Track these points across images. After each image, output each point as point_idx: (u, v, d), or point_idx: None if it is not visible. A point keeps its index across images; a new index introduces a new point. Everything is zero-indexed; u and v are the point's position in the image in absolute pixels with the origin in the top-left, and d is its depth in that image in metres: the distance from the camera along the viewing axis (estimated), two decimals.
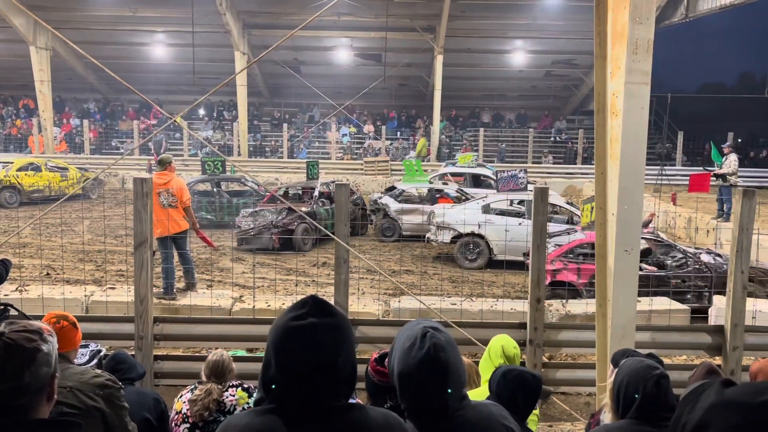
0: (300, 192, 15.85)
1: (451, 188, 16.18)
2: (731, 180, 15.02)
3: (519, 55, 29.67)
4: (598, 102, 4.62)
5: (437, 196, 15.43)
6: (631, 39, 4.21)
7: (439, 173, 19.21)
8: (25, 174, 19.31)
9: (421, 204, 15.10)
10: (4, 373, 1.59)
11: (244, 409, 3.59)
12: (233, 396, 3.67)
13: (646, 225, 10.78)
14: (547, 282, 8.79)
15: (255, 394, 3.46)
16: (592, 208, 9.37)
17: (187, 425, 3.60)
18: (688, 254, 9.80)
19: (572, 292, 9.25)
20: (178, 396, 3.79)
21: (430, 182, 16.56)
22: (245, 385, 3.79)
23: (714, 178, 15.66)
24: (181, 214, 8.92)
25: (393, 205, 14.84)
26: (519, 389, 2.87)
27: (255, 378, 1.68)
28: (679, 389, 2.44)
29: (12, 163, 19.75)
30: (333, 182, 16.44)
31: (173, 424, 3.69)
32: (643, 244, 9.90)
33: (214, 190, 16.43)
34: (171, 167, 9.19)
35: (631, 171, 4.42)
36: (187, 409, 3.64)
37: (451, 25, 25.69)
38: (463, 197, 15.15)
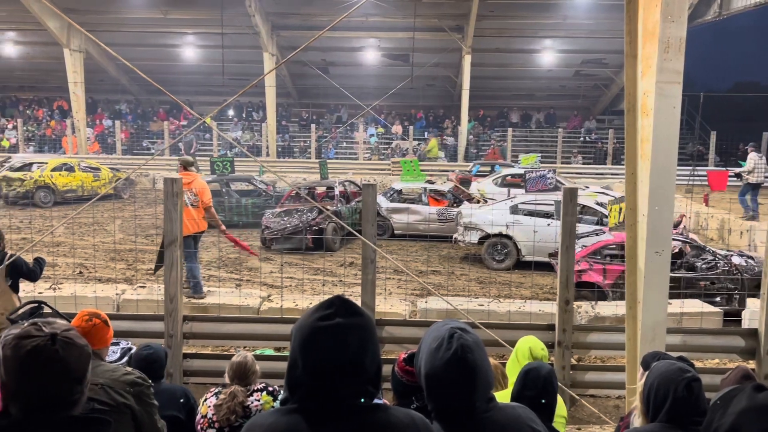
0: (323, 191, 15.94)
1: (444, 188, 16.07)
2: (748, 179, 15.00)
3: (548, 55, 29.44)
4: (629, 101, 4.56)
5: (430, 196, 15.40)
6: (663, 38, 4.15)
7: (501, 174, 18.82)
8: (59, 174, 19.66)
9: (413, 204, 15.15)
10: (69, 370, 1.64)
11: None
12: (258, 401, 3.66)
13: (676, 226, 10.62)
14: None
15: (281, 394, 3.49)
16: (621, 209, 9.35)
17: (213, 430, 3.61)
18: (719, 256, 9.62)
19: (599, 293, 9.16)
20: (203, 399, 3.79)
21: (432, 182, 16.52)
22: (270, 389, 3.78)
23: (733, 177, 15.58)
24: (202, 214, 9.02)
25: (384, 204, 14.89)
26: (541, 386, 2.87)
27: (282, 377, 1.69)
28: (711, 393, 2.40)
29: (46, 163, 20.12)
30: (348, 182, 16.57)
31: (199, 428, 3.69)
32: (675, 246, 9.77)
33: (224, 190, 16.56)
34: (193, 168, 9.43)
35: (662, 171, 4.36)
36: (213, 414, 3.63)
37: (479, 25, 25.58)
38: (455, 200, 15.07)
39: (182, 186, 9.04)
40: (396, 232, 14.59)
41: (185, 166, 9.36)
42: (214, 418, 3.61)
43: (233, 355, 4.00)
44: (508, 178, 18.32)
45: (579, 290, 9.03)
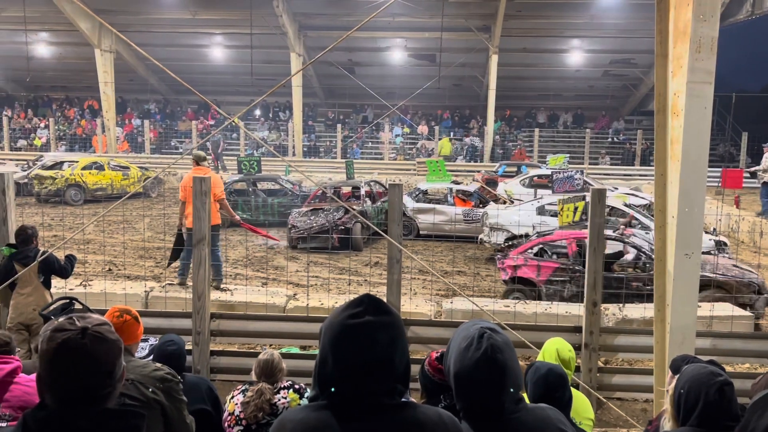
0: (349, 191, 15.98)
1: (470, 188, 16.04)
2: (764, 177, 14.85)
3: (576, 55, 29.18)
4: (659, 102, 4.51)
5: (456, 196, 15.39)
6: (694, 37, 4.10)
7: (529, 175, 18.72)
8: (89, 173, 19.97)
9: (439, 204, 15.19)
10: (99, 364, 1.67)
11: None
12: (285, 398, 3.69)
13: (627, 226, 10.61)
14: (507, 277, 9.52)
15: (310, 391, 3.52)
16: (576, 208, 9.66)
17: (241, 427, 3.63)
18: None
19: (537, 290, 9.37)
20: (230, 397, 3.82)
21: (457, 183, 16.48)
22: (296, 386, 3.81)
23: (748, 176, 15.45)
24: (216, 207, 9.11)
25: (410, 205, 14.93)
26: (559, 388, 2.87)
27: (308, 375, 1.71)
28: (742, 398, 2.37)
29: (77, 162, 20.44)
30: (374, 182, 16.60)
31: (226, 425, 3.71)
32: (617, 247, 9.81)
33: (251, 189, 16.68)
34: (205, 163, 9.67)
35: (692, 172, 4.31)
36: (240, 411, 3.65)
37: (506, 25, 25.46)
38: (481, 200, 15.05)
39: (188, 181, 9.30)
40: (421, 232, 14.60)
41: (197, 161, 9.56)
42: (242, 416, 3.64)
43: (260, 352, 4.03)
44: (536, 178, 18.24)
45: (514, 286, 9.49)
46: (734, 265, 9.48)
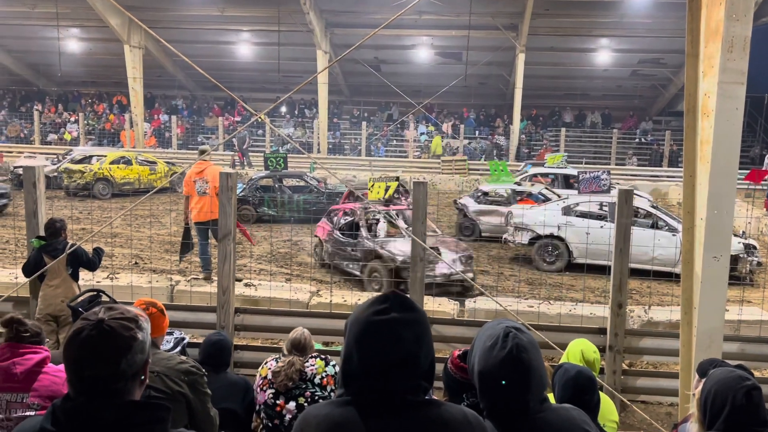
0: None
1: (536, 189, 15.89)
2: None
3: (604, 54, 28.88)
4: (689, 102, 4.45)
5: (518, 198, 15.23)
6: (727, 36, 4.03)
7: (528, 174, 18.84)
8: (117, 167, 20.24)
9: (501, 205, 14.98)
10: (103, 359, 1.67)
11: (322, 377, 3.81)
12: (313, 366, 3.85)
13: None
14: (314, 234, 12.25)
15: (332, 361, 3.58)
16: (387, 187, 10.89)
17: (272, 390, 3.82)
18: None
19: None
20: (264, 362, 4.01)
21: (518, 184, 16.36)
22: (323, 356, 3.96)
23: None
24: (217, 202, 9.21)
25: (472, 206, 14.89)
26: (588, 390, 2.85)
27: None
28: None
29: (105, 156, 20.72)
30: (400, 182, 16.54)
31: (258, 389, 3.91)
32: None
33: (277, 186, 16.76)
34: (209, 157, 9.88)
35: (722, 174, 4.24)
36: (272, 377, 3.84)
37: (534, 23, 25.29)
38: (545, 200, 14.89)
39: (189, 175, 9.42)
40: (483, 234, 14.57)
41: (202, 154, 9.72)
42: (273, 380, 3.83)
43: (282, 348, 4.09)
44: (537, 177, 18.38)
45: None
46: None
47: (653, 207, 12.49)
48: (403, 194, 14.64)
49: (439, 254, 9.56)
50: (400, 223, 11.28)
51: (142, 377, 1.77)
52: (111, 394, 1.68)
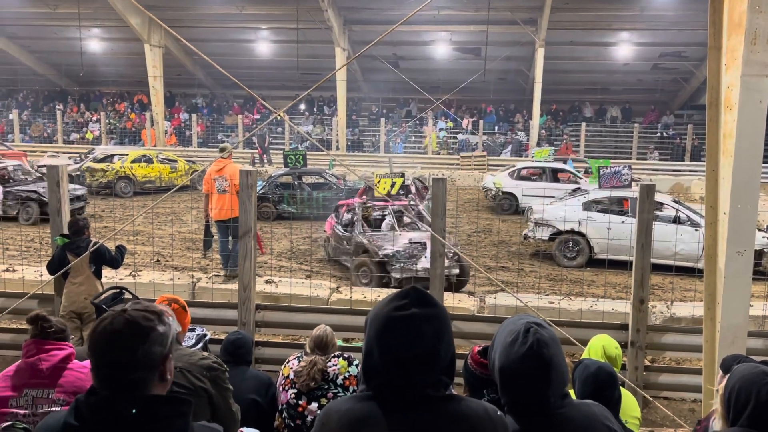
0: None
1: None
2: None
3: (624, 48, 28.59)
4: (711, 95, 4.40)
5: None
6: (750, 29, 3.98)
7: (518, 167, 19.22)
8: (139, 165, 20.43)
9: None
10: (120, 346, 1.71)
11: (345, 377, 3.80)
12: (335, 366, 3.85)
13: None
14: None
15: (355, 361, 3.58)
16: (393, 183, 11.34)
17: (295, 390, 3.83)
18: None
19: None
20: (286, 361, 4.01)
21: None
22: (345, 355, 3.96)
23: None
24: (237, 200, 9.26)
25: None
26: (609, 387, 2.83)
27: None
28: None
29: (127, 155, 20.92)
30: (416, 179, 16.53)
31: (281, 388, 3.91)
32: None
33: (296, 183, 16.82)
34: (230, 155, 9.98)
35: (745, 168, 4.19)
36: (294, 377, 3.85)
37: (553, 18, 25.10)
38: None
39: (209, 173, 9.48)
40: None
41: (223, 152, 9.78)
42: (296, 380, 3.83)
43: (303, 344, 4.11)
44: (524, 171, 18.74)
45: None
46: None
47: (675, 201, 12.35)
48: (422, 190, 14.63)
49: (425, 248, 9.68)
50: (404, 219, 11.66)
51: (165, 374, 1.79)
52: (129, 384, 1.70)
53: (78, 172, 20.16)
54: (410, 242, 10.20)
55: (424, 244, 9.82)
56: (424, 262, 9.59)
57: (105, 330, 1.72)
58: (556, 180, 17.82)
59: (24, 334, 4.77)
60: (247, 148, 27.57)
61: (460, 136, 29.26)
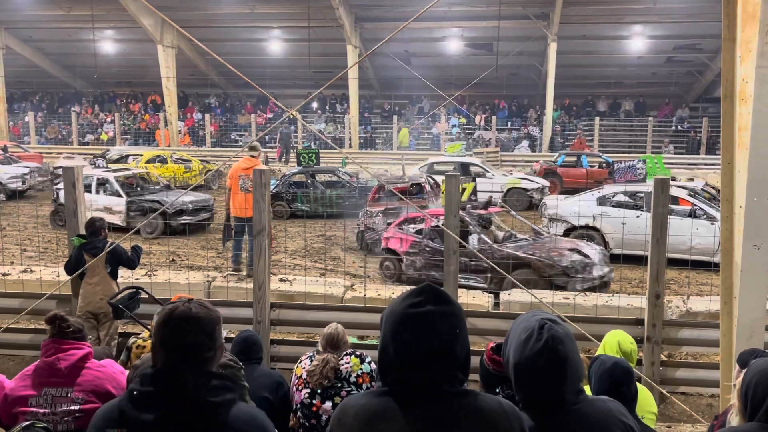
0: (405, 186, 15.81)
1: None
2: None
3: (638, 41, 28.34)
4: (726, 88, 4.36)
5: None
6: (764, 20, 3.95)
7: (427, 162, 19.33)
8: (153, 166, 20.53)
9: None
10: (200, 327, 1.96)
11: (358, 375, 3.83)
12: (348, 364, 3.87)
13: (485, 207, 10.92)
14: (382, 247, 10.75)
15: (372, 381, 3.57)
16: (463, 189, 10.68)
17: (308, 390, 3.84)
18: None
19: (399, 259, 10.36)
20: (299, 361, 4.03)
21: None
22: (358, 353, 3.98)
23: None
24: None
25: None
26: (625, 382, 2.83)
27: None
28: None
29: (141, 155, 21.06)
30: (430, 176, 16.51)
31: (294, 388, 3.93)
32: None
33: (309, 181, 16.85)
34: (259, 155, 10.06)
35: (762, 161, 4.15)
36: (307, 376, 3.87)
37: (565, 12, 24.95)
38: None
39: (235, 170, 9.55)
40: None
41: (253, 150, 9.86)
42: (308, 380, 3.85)
43: (318, 342, 4.13)
44: (435, 165, 18.88)
45: (385, 255, 10.70)
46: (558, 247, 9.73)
47: (690, 195, 12.23)
48: (435, 188, 14.58)
49: (587, 255, 9.63)
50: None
51: (221, 356, 2.07)
52: (203, 361, 1.93)
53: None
54: (571, 250, 9.66)
55: (579, 250, 9.65)
56: (598, 270, 9.45)
57: (184, 314, 1.95)
58: (467, 174, 17.04)
59: (42, 335, 4.82)
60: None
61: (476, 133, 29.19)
